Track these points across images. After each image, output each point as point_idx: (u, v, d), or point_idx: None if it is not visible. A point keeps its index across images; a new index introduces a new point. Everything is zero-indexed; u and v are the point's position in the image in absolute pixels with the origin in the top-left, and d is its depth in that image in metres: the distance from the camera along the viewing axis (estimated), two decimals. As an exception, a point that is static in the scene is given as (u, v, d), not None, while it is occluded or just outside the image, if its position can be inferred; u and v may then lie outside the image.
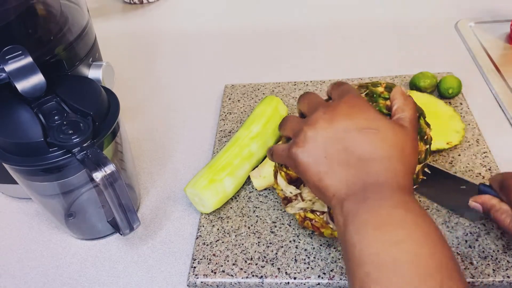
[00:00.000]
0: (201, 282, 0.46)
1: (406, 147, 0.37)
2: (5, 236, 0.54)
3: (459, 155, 0.56)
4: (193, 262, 0.48)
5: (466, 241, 0.47)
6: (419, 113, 0.44)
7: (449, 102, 0.63)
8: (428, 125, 0.45)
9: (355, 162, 0.36)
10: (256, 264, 0.47)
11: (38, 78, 0.43)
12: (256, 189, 0.54)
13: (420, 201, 0.51)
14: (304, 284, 0.45)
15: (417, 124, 0.40)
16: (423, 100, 0.61)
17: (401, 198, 0.34)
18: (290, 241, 0.49)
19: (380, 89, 0.44)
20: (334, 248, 0.48)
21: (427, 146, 0.44)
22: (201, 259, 0.48)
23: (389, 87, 0.44)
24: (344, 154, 0.37)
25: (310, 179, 0.38)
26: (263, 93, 0.69)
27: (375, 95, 0.43)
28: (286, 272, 0.46)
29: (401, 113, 0.40)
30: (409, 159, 0.37)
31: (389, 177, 0.35)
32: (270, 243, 0.49)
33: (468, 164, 0.55)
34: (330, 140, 0.37)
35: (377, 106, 0.42)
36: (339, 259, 0.47)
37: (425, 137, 0.44)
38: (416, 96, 0.62)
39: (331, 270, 0.46)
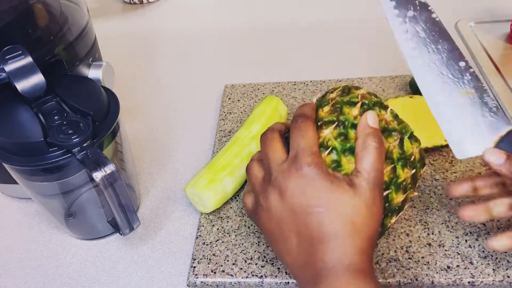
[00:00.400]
0: (201, 282, 0.46)
1: (356, 219, 0.35)
2: (5, 236, 0.54)
3: (459, 155, 0.56)
4: (193, 262, 0.48)
5: (466, 240, 0.47)
6: (402, 132, 0.39)
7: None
8: (416, 140, 0.41)
9: (306, 246, 0.36)
10: (256, 264, 0.47)
11: (38, 78, 0.43)
12: (256, 189, 0.54)
13: (419, 200, 0.51)
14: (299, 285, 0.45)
15: (378, 176, 0.37)
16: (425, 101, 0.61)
17: (351, 282, 0.33)
18: (290, 241, 0.49)
19: (354, 111, 0.39)
20: (334, 248, 0.48)
21: (414, 170, 0.40)
22: (201, 259, 0.48)
23: (365, 109, 0.40)
24: (296, 237, 0.36)
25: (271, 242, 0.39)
26: (263, 93, 0.69)
27: (346, 122, 0.39)
28: (286, 272, 0.46)
29: (358, 164, 0.37)
30: (363, 231, 0.35)
31: (336, 259, 0.34)
32: (270, 243, 0.49)
33: (468, 164, 0.55)
34: (282, 218, 0.37)
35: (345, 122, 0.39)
36: (339, 259, 0.47)
37: (412, 159, 0.40)
38: (421, 100, 0.61)
39: (331, 270, 0.46)
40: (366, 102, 0.40)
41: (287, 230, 0.37)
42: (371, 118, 0.38)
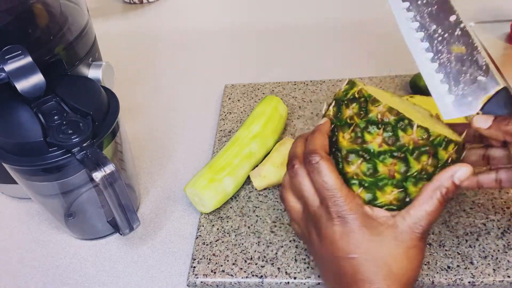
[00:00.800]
0: (201, 282, 0.46)
1: (393, 264, 0.35)
2: (5, 236, 0.54)
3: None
4: (193, 262, 0.48)
5: (466, 240, 0.47)
6: (435, 146, 0.37)
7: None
8: (451, 142, 0.37)
9: (343, 286, 0.36)
10: (256, 264, 0.47)
11: (37, 78, 0.43)
12: (256, 189, 0.54)
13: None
14: (304, 284, 0.45)
15: (426, 228, 0.35)
16: (428, 103, 0.61)
17: None
18: (290, 241, 0.49)
19: (378, 140, 0.36)
20: (334, 248, 0.48)
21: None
22: (201, 259, 0.48)
23: (389, 135, 0.36)
24: (333, 277, 0.37)
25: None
26: (263, 93, 0.69)
27: (371, 153, 0.36)
28: (286, 272, 0.46)
29: (413, 209, 0.36)
30: (400, 275, 0.35)
31: None
32: (270, 242, 0.49)
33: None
34: (323, 258, 0.38)
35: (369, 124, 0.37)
36: (339, 259, 0.47)
37: (449, 161, 0.37)
38: (421, 100, 0.61)
39: (331, 270, 0.46)
40: (387, 122, 0.36)
41: (327, 270, 0.38)
42: (461, 175, 0.36)
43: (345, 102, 0.39)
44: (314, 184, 0.37)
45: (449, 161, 0.37)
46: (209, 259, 0.48)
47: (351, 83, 0.40)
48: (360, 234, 0.35)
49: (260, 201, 0.53)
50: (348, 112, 0.38)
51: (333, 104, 0.41)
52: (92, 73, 0.55)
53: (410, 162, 0.37)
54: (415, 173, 0.37)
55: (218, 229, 0.51)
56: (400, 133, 0.36)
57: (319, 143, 0.38)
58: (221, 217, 0.52)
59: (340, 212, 0.36)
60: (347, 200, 0.36)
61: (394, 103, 0.39)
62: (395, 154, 0.36)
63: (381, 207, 0.37)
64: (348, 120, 0.38)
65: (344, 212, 0.36)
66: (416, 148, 0.36)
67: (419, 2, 0.40)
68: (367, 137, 0.37)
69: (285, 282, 0.45)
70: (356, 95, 0.38)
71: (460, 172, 0.36)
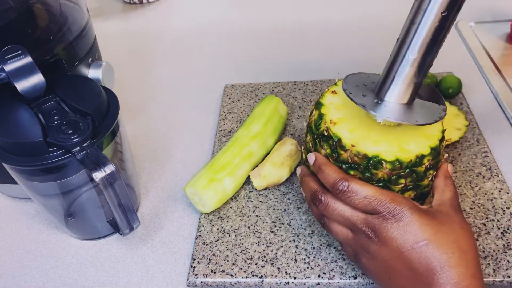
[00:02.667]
0: (201, 282, 0.46)
1: (461, 241, 0.36)
2: (5, 236, 0.54)
3: (459, 154, 0.56)
4: (193, 262, 0.48)
5: (466, 241, 0.47)
6: (418, 159, 0.40)
7: (449, 102, 0.63)
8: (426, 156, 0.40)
9: (417, 282, 0.36)
10: (256, 264, 0.47)
11: (37, 78, 0.43)
12: (256, 189, 0.54)
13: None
14: (304, 284, 0.45)
15: (458, 204, 0.40)
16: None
17: None
18: (290, 241, 0.49)
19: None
20: (334, 248, 0.48)
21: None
22: (200, 259, 0.48)
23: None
24: (405, 276, 0.37)
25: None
26: (263, 93, 0.69)
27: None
28: (286, 272, 0.46)
29: (440, 196, 0.40)
30: (469, 252, 0.36)
31: (451, 285, 0.34)
32: (270, 243, 0.49)
33: (469, 164, 0.55)
34: (389, 262, 0.38)
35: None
36: (339, 259, 0.46)
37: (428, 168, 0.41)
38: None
39: (331, 270, 0.46)
40: (358, 164, 0.39)
41: (396, 272, 0.38)
42: (450, 168, 0.43)
43: (318, 139, 0.42)
44: (357, 205, 0.39)
45: (428, 167, 0.40)
46: (209, 259, 0.48)
47: (318, 106, 0.43)
48: (420, 222, 0.37)
49: (260, 201, 0.53)
50: (323, 151, 0.42)
51: (308, 137, 0.45)
52: (92, 73, 0.55)
53: (391, 187, 0.40)
54: (398, 191, 0.41)
55: (218, 229, 0.51)
56: (373, 171, 0.39)
57: (334, 170, 0.40)
58: (221, 217, 0.52)
59: (393, 211, 0.37)
60: (393, 198, 0.38)
61: (361, 122, 0.41)
62: (375, 184, 0.40)
63: None
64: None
65: (397, 209, 0.37)
66: (392, 176, 0.39)
67: None
68: (349, 171, 0.40)
69: (285, 282, 0.45)
70: (325, 133, 0.41)
71: (449, 167, 0.43)
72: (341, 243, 0.43)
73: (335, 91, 0.44)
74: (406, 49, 0.36)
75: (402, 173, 0.39)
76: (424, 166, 0.39)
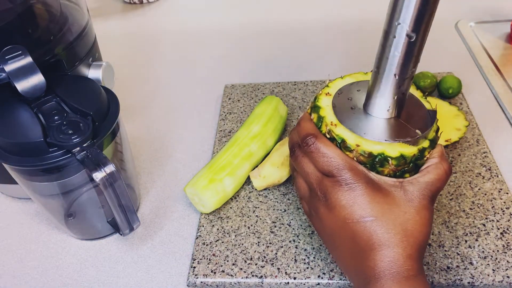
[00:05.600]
0: (201, 282, 0.46)
1: (407, 225, 0.36)
2: (5, 236, 0.54)
3: (459, 155, 0.56)
4: (193, 262, 0.48)
5: (466, 241, 0.47)
6: (420, 152, 0.40)
7: (449, 102, 0.63)
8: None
9: (356, 254, 0.36)
10: (256, 264, 0.47)
11: (38, 78, 0.43)
12: (256, 189, 0.54)
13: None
14: (304, 284, 0.45)
15: (435, 193, 0.38)
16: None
17: None
18: (290, 241, 0.49)
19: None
20: (334, 248, 0.48)
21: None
22: (200, 259, 0.48)
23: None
24: (347, 245, 0.37)
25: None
26: (263, 93, 0.69)
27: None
28: (286, 272, 0.46)
29: (421, 176, 0.38)
30: (413, 237, 0.36)
31: (385, 267, 0.35)
32: (270, 243, 0.49)
33: (468, 164, 0.55)
34: (334, 229, 0.38)
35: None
36: (339, 259, 0.47)
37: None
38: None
39: (331, 270, 0.46)
40: (365, 163, 0.39)
41: (339, 239, 0.38)
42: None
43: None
44: (316, 164, 0.39)
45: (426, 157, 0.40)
46: (209, 259, 0.48)
47: (316, 109, 0.43)
48: (372, 197, 0.36)
49: (260, 202, 0.53)
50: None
51: None
52: (92, 73, 0.55)
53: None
54: None
55: (218, 229, 0.51)
56: (380, 169, 0.39)
57: (308, 127, 0.41)
58: (221, 217, 0.52)
59: (347, 179, 0.37)
60: (351, 167, 0.37)
61: None
62: None
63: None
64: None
65: (353, 179, 0.37)
66: (397, 172, 0.39)
67: None
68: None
69: (285, 282, 0.45)
70: (328, 136, 0.41)
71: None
72: (299, 198, 0.44)
73: (328, 93, 0.44)
74: (384, 69, 0.38)
75: (406, 168, 0.39)
76: (425, 158, 0.40)
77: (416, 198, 0.37)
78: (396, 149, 0.39)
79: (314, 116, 0.43)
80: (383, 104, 0.39)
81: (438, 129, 0.42)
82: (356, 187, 0.37)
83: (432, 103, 0.61)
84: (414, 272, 0.35)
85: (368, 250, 0.35)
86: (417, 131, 0.39)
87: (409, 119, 0.40)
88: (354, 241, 0.36)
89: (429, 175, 0.38)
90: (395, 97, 0.39)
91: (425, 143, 0.40)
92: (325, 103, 0.43)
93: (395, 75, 0.37)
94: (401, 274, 0.34)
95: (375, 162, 0.39)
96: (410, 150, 0.39)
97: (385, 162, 0.39)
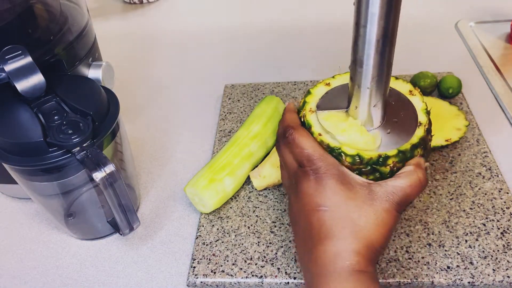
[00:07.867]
0: (201, 282, 0.46)
1: (360, 222, 0.35)
2: (5, 236, 0.54)
3: (459, 155, 0.56)
4: (193, 262, 0.48)
5: (466, 241, 0.47)
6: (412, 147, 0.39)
7: (449, 102, 0.63)
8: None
9: (307, 244, 0.37)
10: (256, 264, 0.47)
11: (38, 78, 0.43)
12: (256, 189, 0.54)
13: (419, 200, 0.51)
14: (304, 284, 0.45)
15: (404, 200, 0.37)
16: (428, 103, 0.61)
17: (340, 284, 0.33)
18: (290, 241, 0.49)
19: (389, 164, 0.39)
20: (334, 248, 0.48)
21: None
22: (200, 259, 0.48)
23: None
24: (302, 234, 0.38)
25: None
26: (263, 93, 0.69)
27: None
28: (286, 272, 0.46)
29: (394, 180, 0.38)
30: (363, 235, 0.35)
31: (329, 259, 0.34)
32: (270, 243, 0.49)
33: (468, 164, 0.55)
34: (296, 217, 0.39)
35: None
36: (339, 259, 0.47)
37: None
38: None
39: (331, 270, 0.46)
40: (363, 169, 0.39)
41: (297, 226, 0.39)
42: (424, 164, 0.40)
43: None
44: (293, 154, 0.40)
45: (394, 170, 0.40)
46: (209, 259, 0.48)
47: (306, 94, 0.44)
48: (333, 189, 0.36)
49: (260, 201, 0.53)
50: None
51: None
52: (92, 73, 0.55)
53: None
54: None
55: (218, 229, 0.51)
56: (382, 168, 0.39)
57: (289, 119, 0.42)
58: (221, 217, 0.52)
59: (317, 170, 0.37)
60: (322, 158, 0.38)
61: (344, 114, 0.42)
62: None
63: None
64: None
65: (321, 169, 0.37)
66: (354, 170, 0.39)
67: None
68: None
69: (285, 282, 0.45)
70: (302, 120, 0.42)
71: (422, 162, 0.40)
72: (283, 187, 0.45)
73: (328, 83, 0.45)
74: (361, 78, 0.40)
75: (363, 169, 0.39)
76: (388, 166, 0.39)
77: (379, 199, 0.36)
78: (356, 148, 0.39)
79: (301, 101, 0.45)
80: (360, 111, 0.40)
81: (417, 145, 0.40)
82: (323, 177, 0.37)
83: (432, 103, 0.61)
84: (361, 268, 0.34)
85: (317, 239, 0.36)
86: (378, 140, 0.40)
87: (393, 129, 0.41)
88: (308, 229, 0.37)
89: (400, 180, 0.38)
90: (369, 108, 0.40)
91: (391, 152, 0.39)
92: (319, 92, 0.44)
93: (373, 86, 0.39)
94: (344, 269, 0.34)
95: (333, 155, 0.39)
96: (369, 153, 0.39)
97: (340, 157, 0.39)
